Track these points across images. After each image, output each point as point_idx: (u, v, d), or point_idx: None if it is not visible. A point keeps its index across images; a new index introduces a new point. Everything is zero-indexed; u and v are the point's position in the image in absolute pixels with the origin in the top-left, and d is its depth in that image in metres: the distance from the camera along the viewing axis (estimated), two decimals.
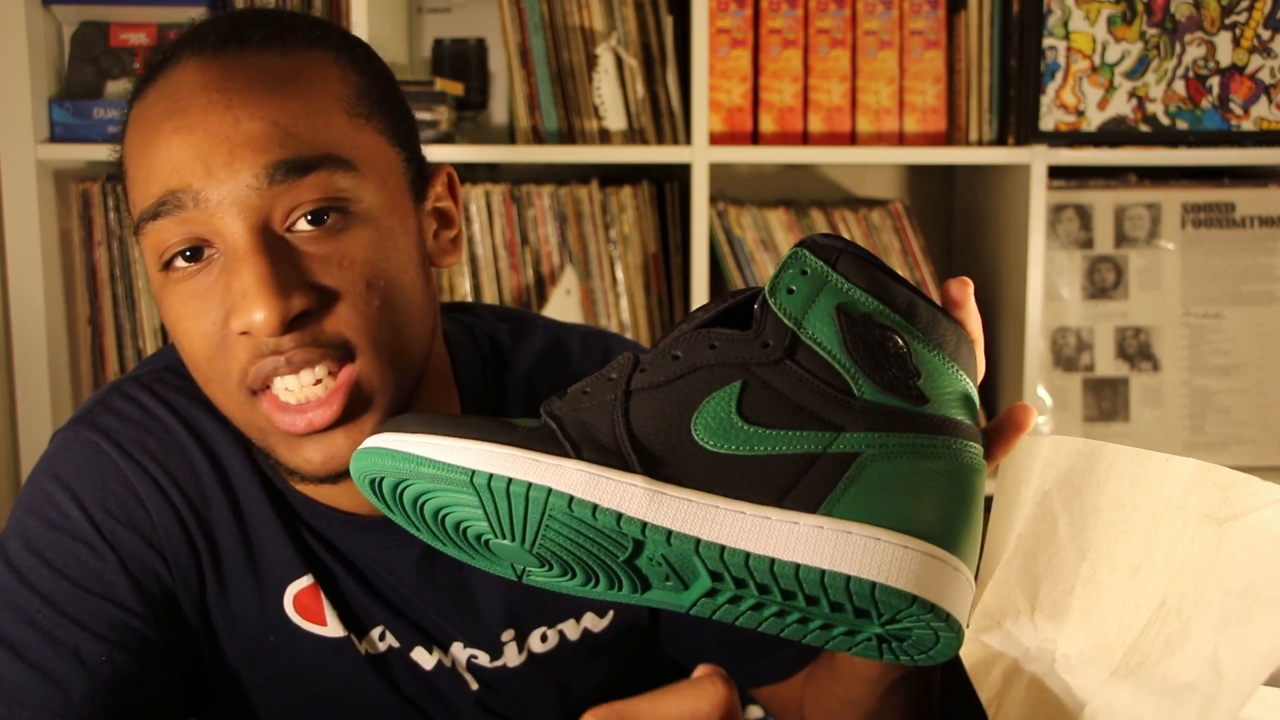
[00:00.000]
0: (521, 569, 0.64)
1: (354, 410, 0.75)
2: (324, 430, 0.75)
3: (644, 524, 0.56)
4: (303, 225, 0.74)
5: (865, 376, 0.58)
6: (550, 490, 0.58)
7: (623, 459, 0.58)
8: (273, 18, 0.80)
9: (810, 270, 0.61)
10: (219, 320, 0.74)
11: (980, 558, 0.80)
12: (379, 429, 0.64)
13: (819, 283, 0.60)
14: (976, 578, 0.80)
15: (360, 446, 0.64)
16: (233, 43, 0.77)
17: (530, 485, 0.58)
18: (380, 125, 0.80)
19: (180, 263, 0.75)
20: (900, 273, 1.79)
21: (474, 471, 0.59)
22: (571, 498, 0.57)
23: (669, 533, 0.56)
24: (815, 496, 0.56)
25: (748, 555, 0.55)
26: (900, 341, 0.59)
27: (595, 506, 0.57)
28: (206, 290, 0.74)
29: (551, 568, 0.62)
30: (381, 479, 0.63)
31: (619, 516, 0.57)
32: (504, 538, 0.61)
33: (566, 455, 0.59)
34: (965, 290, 0.62)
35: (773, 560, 0.55)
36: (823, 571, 0.55)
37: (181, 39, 0.79)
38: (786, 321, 0.60)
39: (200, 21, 0.80)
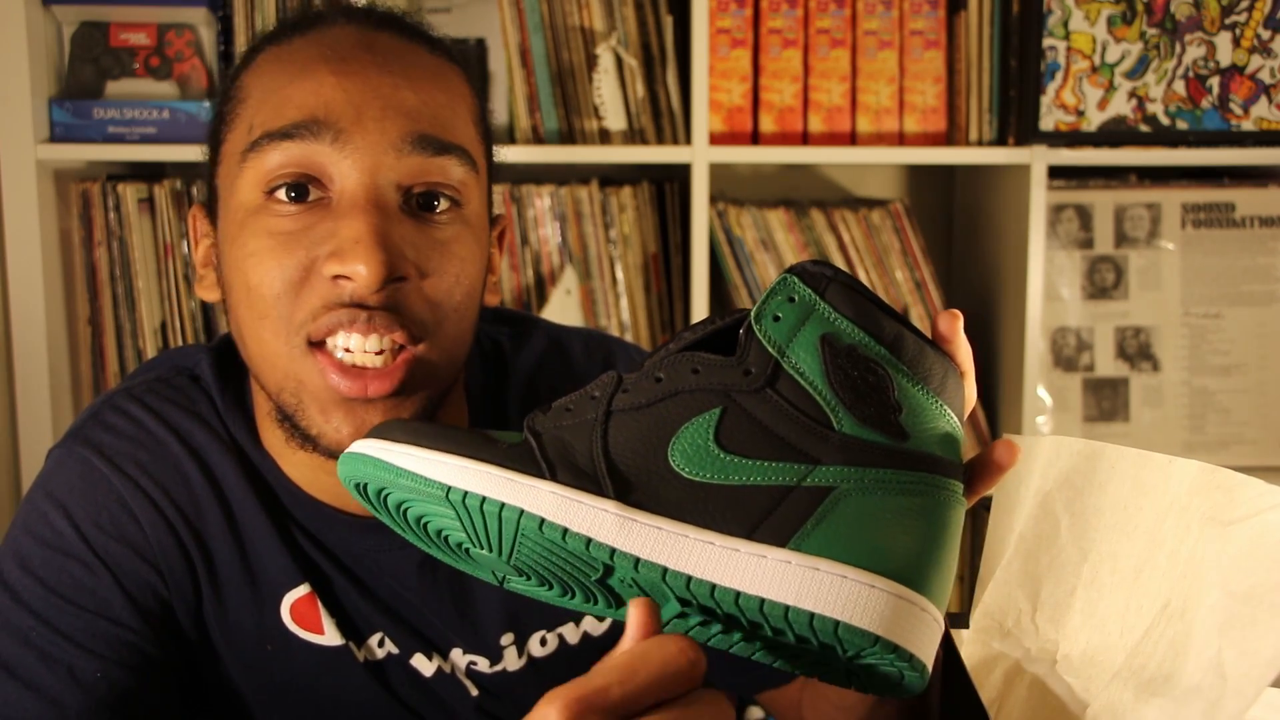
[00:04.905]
0: (502, 576, 0.65)
1: (406, 388, 0.76)
2: (372, 400, 0.75)
3: (613, 550, 0.57)
4: (417, 204, 0.77)
5: (845, 409, 0.58)
6: (522, 511, 0.58)
7: (597, 482, 0.58)
8: (419, 22, 0.85)
9: (798, 298, 0.60)
10: (305, 262, 0.75)
11: (980, 567, 0.80)
12: (368, 433, 0.65)
13: (806, 311, 0.60)
14: (976, 578, 0.80)
15: (346, 450, 0.65)
16: (392, 26, 0.81)
17: (503, 505, 0.58)
18: (486, 150, 0.84)
19: (283, 195, 0.76)
20: (900, 273, 1.80)
21: (450, 487, 0.59)
22: (542, 520, 0.57)
23: (636, 560, 0.56)
24: (786, 530, 0.56)
25: (713, 587, 0.55)
26: (884, 375, 0.59)
27: (565, 530, 0.57)
28: (302, 231, 0.75)
29: (530, 578, 0.62)
30: (366, 484, 0.64)
31: (588, 541, 0.57)
32: (482, 548, 0.61)
33: (541, 476, 0.59)
34: (955, 324, 0.62)
35: (738, 593, 0.55)
36: (787, 607, 0.54)
37: (336, 10, 0.82)
38: (770, 349, 0.60)
39: (350, 4, 0.85)
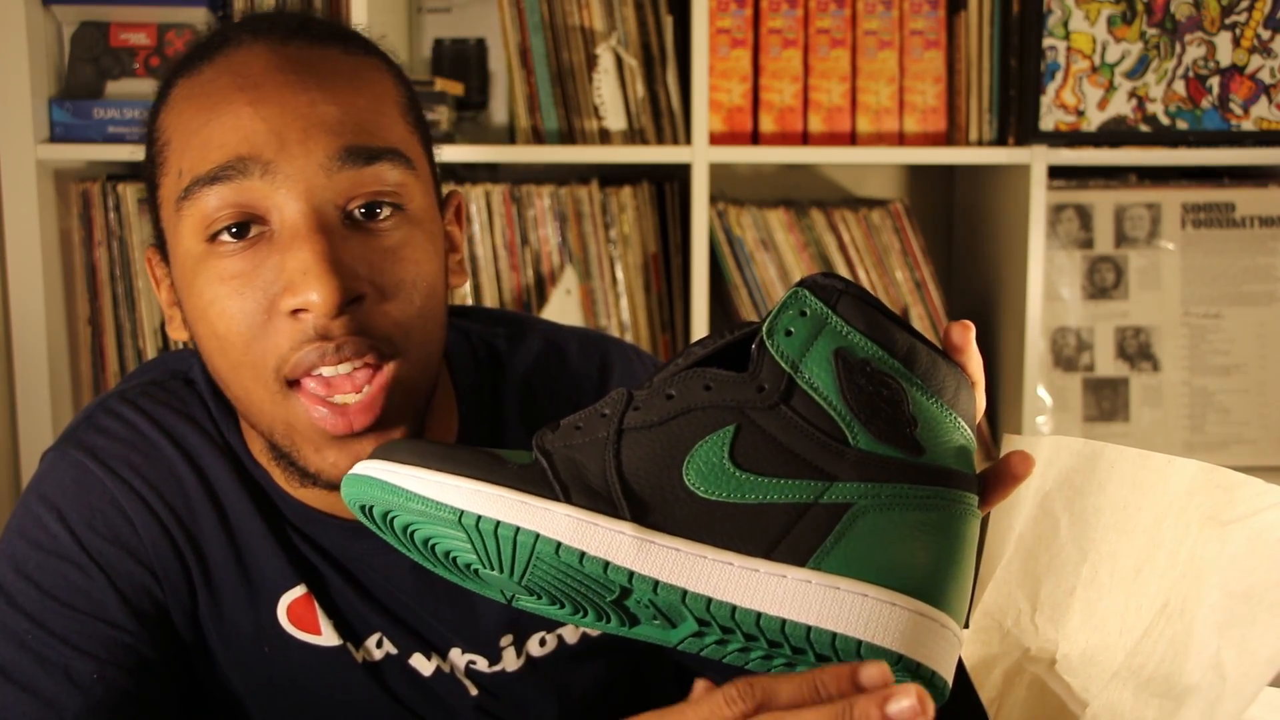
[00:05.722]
0: (511, 595, 0.64)
1: (389, 414, 0.76)
2: (358, 434, 0.75)
3: (631, 573, 0.56)
4: (359, 216, 0.76)
5: (861, 425, 0.58)
6: (538, 535, 0.57)
7: (612, 504, 0.58)
8: (329, 21, 0.83)
9: (810, 311, 0.60)
10: (264, 300, 0.74)
11: (980, 568, 0.80)
12: (372, 454, 0.64)
13: (818, 325, 0.59)
14: (976, 578, 0.80)
15: (351, 472, 0.64)
16: (301, 34, 0.79)
17: (518, 529, 0.58)
18: (421, 137, 0.83)
19: (226, 237, 0.75)
20: (900, 273, 1.80)
21: (462, 511, 0.59)
22: (559, 544, 0.57)
23: (655, 583, 0.56)
24: (805, 549, 0.56)
25: (734, 608, 0.55)
26: (898, 389, 0.58)
27: (583, 554, 0.57)
28: (253, 269, 0.74)
29: (541, 598, 0.62)
30: (372, 506, 0.63)
31: (606, 565, 0.56)
32: (492, 570, 0.60)
33: (555, 498, 0.58)
34: (967, 335, 0.61)
35: (759, 614, 0.55)
36: (809, 627, 0.54)
37: (240, 25, 0.80)
38: (783, 365, 0.59)
39: (256, 14, 0.82)
